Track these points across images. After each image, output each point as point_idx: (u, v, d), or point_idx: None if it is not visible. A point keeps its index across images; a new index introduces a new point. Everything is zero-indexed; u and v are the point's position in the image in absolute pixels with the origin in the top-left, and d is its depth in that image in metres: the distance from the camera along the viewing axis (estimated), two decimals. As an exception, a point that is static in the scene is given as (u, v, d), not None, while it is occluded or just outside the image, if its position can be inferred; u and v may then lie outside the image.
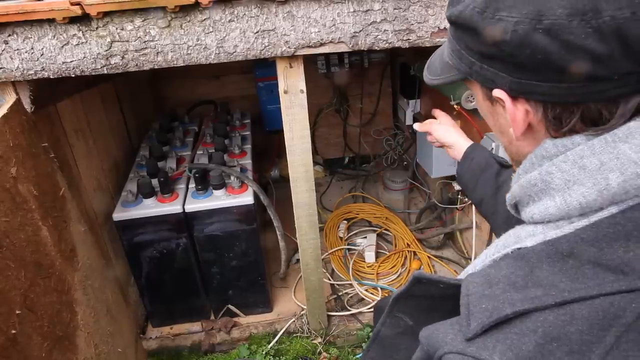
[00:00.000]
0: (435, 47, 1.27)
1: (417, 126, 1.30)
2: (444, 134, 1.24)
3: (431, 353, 0.52)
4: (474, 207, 1.92)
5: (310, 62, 2.36)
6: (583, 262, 0.48)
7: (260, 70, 2.52)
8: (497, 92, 0.53)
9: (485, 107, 0.61)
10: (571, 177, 0.51)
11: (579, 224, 0.51)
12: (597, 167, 0.49)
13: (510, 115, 0.54)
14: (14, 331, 0.88)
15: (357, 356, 1.88)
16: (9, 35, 1.13)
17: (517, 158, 0.61)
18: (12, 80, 1.20)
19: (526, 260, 0.52)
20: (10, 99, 1.20)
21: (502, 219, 1.02)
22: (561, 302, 0.46)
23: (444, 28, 1.24)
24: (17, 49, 1.15)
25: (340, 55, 2.45)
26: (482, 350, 0.47)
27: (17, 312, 0.90)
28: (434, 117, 1.32)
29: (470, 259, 2.07)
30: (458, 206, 2.10)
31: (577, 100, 0.49)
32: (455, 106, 1.68)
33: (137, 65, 1.21)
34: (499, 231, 1.06)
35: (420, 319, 0.63)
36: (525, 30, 0.47)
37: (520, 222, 0.61)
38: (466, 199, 2.02)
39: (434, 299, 0.61)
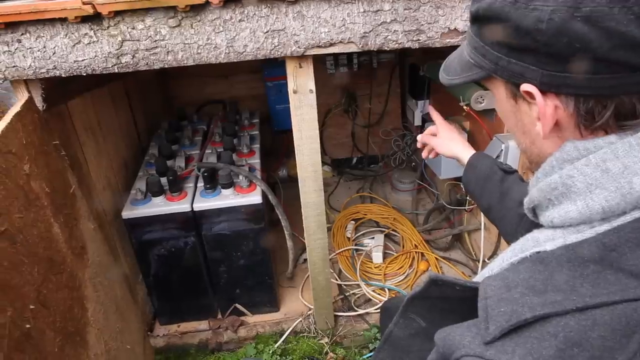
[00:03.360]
0: (445, 48, 1.27)
1: (419, 137, 1.32)
2: (444, 150, 1.25)
3: (447, 355, 0.51)
4: (482, 208, 1.91)
5: (318, 62, 2.36)
6: (605, 267, 0.47)
7: (268, 70, 2.53)
8: (526, 87, 0.52)
9: (509, 106, 0.60)
10: (593, 181, 0.50)
11: (600, 229, 0.50)
12: (621, 170, 0.49)
13: (540, 110, 0.53)
14: (28, 326, 0.89)
15: (364, 357, 1.87)
16: (22, 34, 1.15)
17: (537, 160, 0.60)
18: (25, 78, 1.21)
19: (545, 264, 0.51)
20: (23, 97, 1.21)
21: (511, 225, 1.02)
22: (582, 307, 0.45)
23: (455, 29, 1.24)
24: (30, 48, 1.16)
25: (349, 55, 2.45)
26: (501, 354, 0.46)
27: (31, 307, 0.92)
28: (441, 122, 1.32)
29: (479, 261, 2.06)
30: (466, 207, 2.09)
31: (612, 93, 0.48)
32: (464, 107, 1.68)
33: (147, 64, 1.22)
34: (508, 237, 1.06)
35: (434, 321, 0.63)
36: (563, 18, 0.46)
37: (534, 226, 0.60)
38: (474, 201, 2.01)
39: (449, 301, 0.61)
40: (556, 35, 0.47)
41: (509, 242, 1.07)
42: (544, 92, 0.51)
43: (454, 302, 0.60)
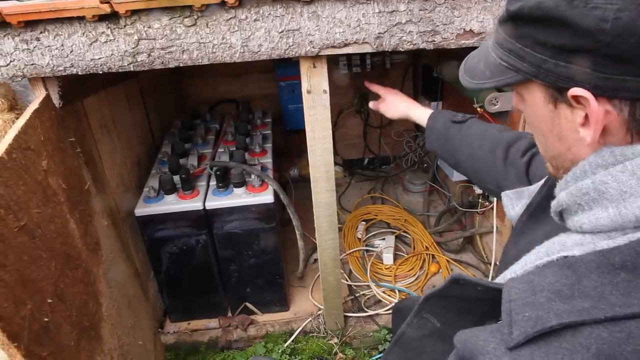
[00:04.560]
0: (460, 49, 1.27)
1: (372, 104, 1.45)
2: (393, 113, 1.35)
3: (467, 359, 0.50)
4: (494, 211, 1.90)
5: (331, 62, 2.36)
6: (637, 276, 0.46)
7: (281, 70, 2.54)
8: (577, 91, 0.49)
9: (546, 112, 0.56)
10: (628, 189, 0.49)
11: (633, 236, 0.48)
12: None
13: (594, 116, 0.50)
14: (46, 319, 0.90)
15: (374, 358, 1.87)
16: (41, 32, 1.16)
17: (567, 166, 0.58)
18: (43, 76, 1.23)
19: (573, 269, 0.50)
20: (41, 94, 1.23)
21: (486, 169, 1.06)
22: (612, 317, 0.44)
23: (470, 30, 1.23)
24: (48, 46, 1.18)
25: (362, 55, 2.45)
26: None
27: (49, 300, 0.93)
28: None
29: (490, 264, 2.05)
30: (478, 210, 2.08)
31: None
32: (478, 109, 1.67)
33: (162, 62, 1.23)
34: (487, 182, 1.09)
35: (450, 321, 0.62)
36: (631, 17, 0.43)
37: (512, 184, 0.59)
38: (487, 203, 2.00)
39: (468, 301, 0.60)
40: (622, 35, 0.44)
41: (491, 191, 1.10)
42: (595, 96, 0.49)
43: (473, 302, 0.59)
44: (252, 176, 1.76)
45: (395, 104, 1.35)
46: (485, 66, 0.63)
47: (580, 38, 0.47)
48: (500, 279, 0.62)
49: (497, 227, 1.92)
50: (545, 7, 0.49)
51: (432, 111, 1.27)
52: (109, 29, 1.17)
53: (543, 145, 0.62)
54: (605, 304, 0.45)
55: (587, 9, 0.45)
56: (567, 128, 0.55)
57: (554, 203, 0.58)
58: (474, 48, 1.26)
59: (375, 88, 1.45)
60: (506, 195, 0.83)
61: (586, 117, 0.51)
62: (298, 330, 1.94)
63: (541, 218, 0.71)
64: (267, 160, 1.96)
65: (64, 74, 1.22)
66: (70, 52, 1.19)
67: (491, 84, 0.61)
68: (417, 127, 2.83)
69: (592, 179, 0.52)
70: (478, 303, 0.57)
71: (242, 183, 1.74)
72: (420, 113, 1.29)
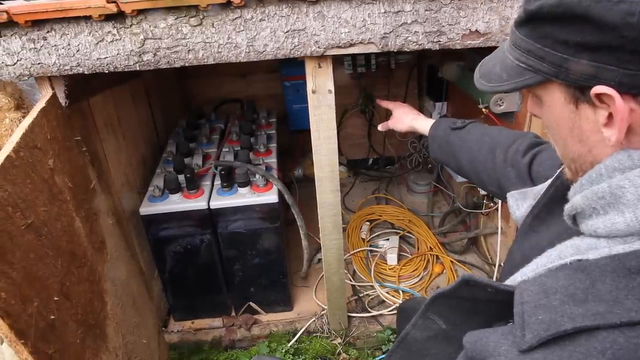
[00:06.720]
0: (465, 50, 1.27)
1: (381, 127, 1.49)
2: (400, 126, 1.39)
3: None
4: (499, 212, 1.90)
5: (336, 62, 2.36)
6: None
7: (286, 69, 2.54)
8: (601, 89, 0.48)
9: (566, 112, 0.55)
10: None
11: None
12: None
13: (619, 114, 0.48)
14: (52, 317, 0.91)
15: (377, 359, 1.87)
16: (48, 31, 1.17)
17: (586, 168, 0.56)
18: (49, 75, 1.23)
19: (587, 273, 0.49)
20: (47, 93, 1.23)
21: (486, 171, 1.07)
22: (628, 322, 0.43)
23: (476, 30, 1.23)
24: (55, 45, 1.18)
25: (367, 55, 2.45)
26: None
27: (55, 298, 0.94)
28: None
29: (495, 265, 2.05)
30: (483, 211, 2.07)
31: None
32: (483, 110, 1.66)
33: (168, 62, 1.23)
34: (488, 184, 1.10)
35: (455, 322, 0.61)
36: None
37: (513, 185, 0.58)
38: (491, 204, 1.99)
39: (476, 302, 0.59)
40: None
41: (494, 193, 1.11)
42: (620, 93, 0.48)
43: (481, 303, 0.58)
44: (257, 176, 1.76)
45: (402, 118, 1.39)
46: (501, 69, 0.61)
47: (605, 34, 0.46)
48: (510, 281, 0.61)
49: (501, 228, 1.91)
50: (567, 3, 0.47)
51: (434, 121, 1.29)
52: (115, 29, 1.18)
53: (562, 148, 0.60)
54: (620, 308, 0.44)
55: (612, 3, 0.44)
56: (588, 129, 0.54)
57: (567, 206, 0.57)
58: (479, 49, 1.27)
59: (384, 104, 1.49)
60: (511, 196, 0.82)
61: (609, 116, 0.50)
62: (301, 330, 1.94)
63: (547, 220, 0.70)
64: (272, 160, 1.96)
65: (70, 73, 1.23)
66: (77, 51, 1.20)
67: (509, 86, 0.60)
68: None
69: (609, 182, 0.50)
70: (486, 305, 0.57)
71: (246, 183, 1.74)
72: (423, 124, 1.31)
